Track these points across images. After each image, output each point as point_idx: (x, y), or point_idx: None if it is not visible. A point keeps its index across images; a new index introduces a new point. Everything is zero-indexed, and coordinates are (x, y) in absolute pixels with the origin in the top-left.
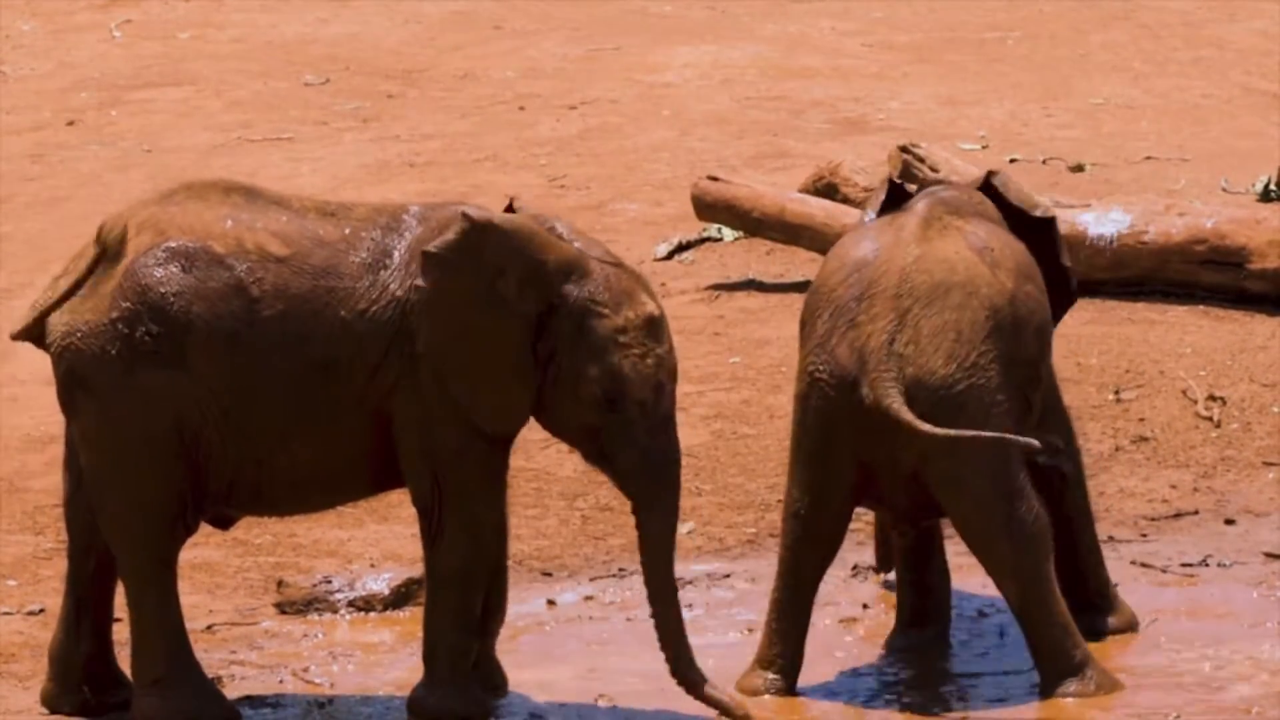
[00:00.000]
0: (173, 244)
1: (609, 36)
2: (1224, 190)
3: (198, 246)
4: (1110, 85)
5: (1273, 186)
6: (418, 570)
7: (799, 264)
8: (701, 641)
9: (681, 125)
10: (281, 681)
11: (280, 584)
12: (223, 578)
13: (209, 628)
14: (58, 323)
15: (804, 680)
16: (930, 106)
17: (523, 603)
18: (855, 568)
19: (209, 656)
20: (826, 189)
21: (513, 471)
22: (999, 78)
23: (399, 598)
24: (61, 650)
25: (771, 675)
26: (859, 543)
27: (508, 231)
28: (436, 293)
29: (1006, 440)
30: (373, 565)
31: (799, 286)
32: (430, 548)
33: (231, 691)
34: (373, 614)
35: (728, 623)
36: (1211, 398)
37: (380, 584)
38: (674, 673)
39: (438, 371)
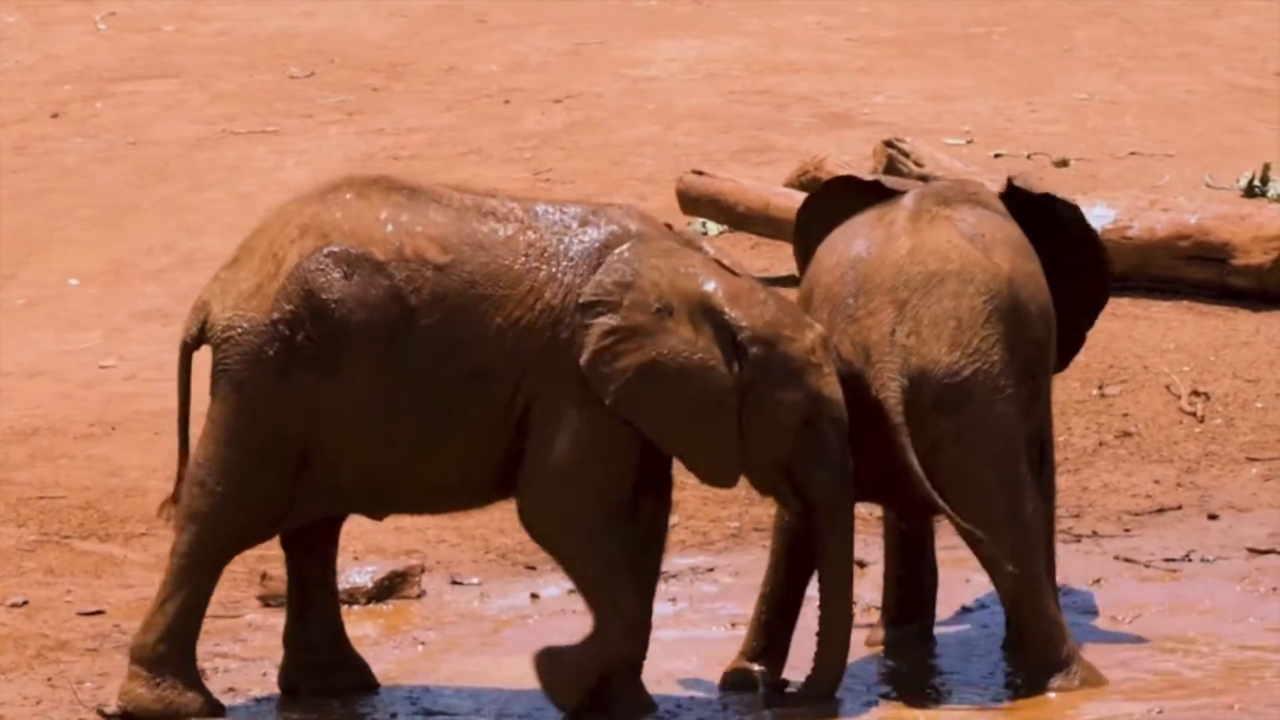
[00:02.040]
0: (335, 249)
1: (594, 30)
2: (1208, 186)
3: (359, 253)
4: (1095, 81)
5: (1257, 182)
6: (401, 563)
7: (784, 259)
8: (685, 635)
9: (666, 119)
10: (265, 674)
11: (264, 577)
12: None
13: None
14: (221, 318)
15: (790, 674)
16: (915, 101)
17: (506, 596)
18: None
19: None
20: (811, 183)
21: None
22: (984, 73)
23: (382, 591)
24: (288, 634)
25: (757, 669)
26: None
27: (665, 268)
28: (608, 339)
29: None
30: (356, 558)
31: (784, 281)
32: (562, 565)
33: (215, 684)
34: (356, 607)
35: (712, 617)
36: (1195, 393)
37: (364, 577)
38: (810, 685)
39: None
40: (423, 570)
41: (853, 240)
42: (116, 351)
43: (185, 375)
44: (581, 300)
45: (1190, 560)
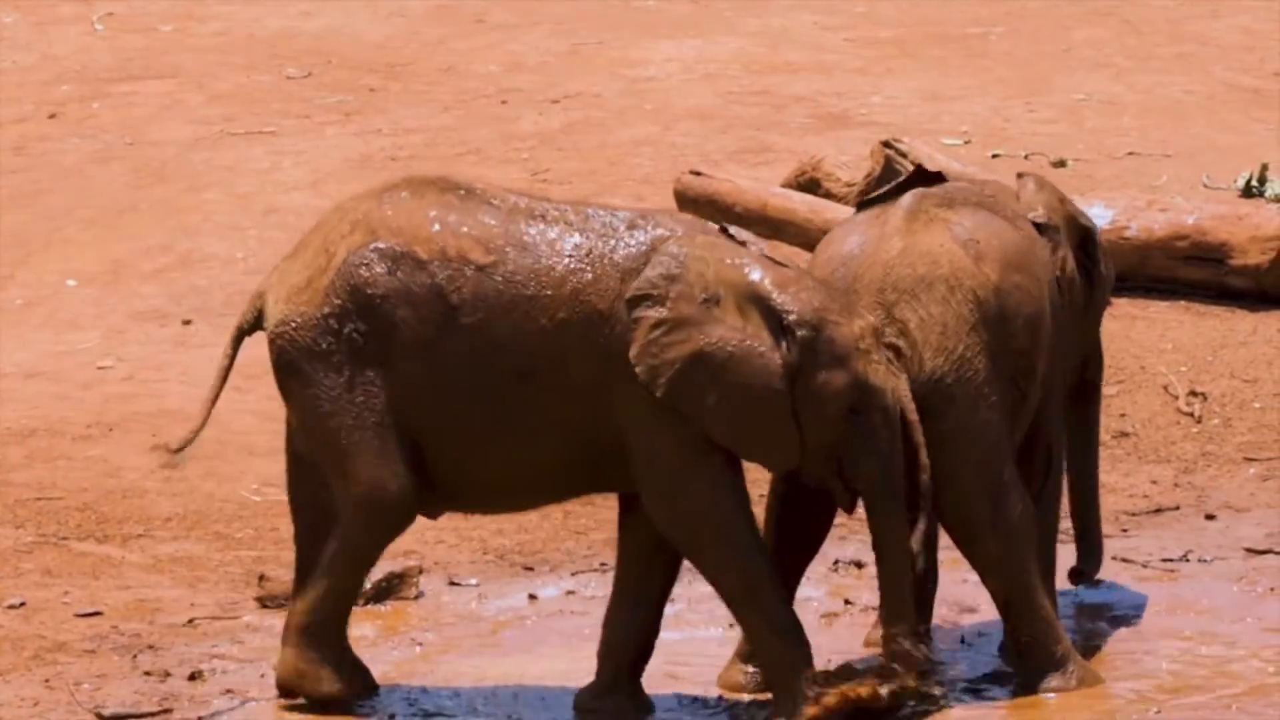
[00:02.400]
0: (381, 245)
1: (592, 31)
2: (1206, 186)
3: (403, 250)
4: (1093, 81)
5: (1254, 183)
6: (399, 565)
7: (782, 258)
8: (682, 636)
9: (664, 120)
10: (263, 675)
11: (262, 578)
12: (204, 571)
13: (190, 621)
14: (275, 311)
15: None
16: (913, 102)
17: (504, 597)
18: (836, 562)
19: (190, 650)
20: (809, 184)
21: None
22: (982, 73)
23: (380, 592)
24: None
25: (752, 669)
26: (841, 538)
27: (710, 259)
28: (655, 332)
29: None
30: None
31: None
32: (703, 574)
33: (213, 685)
34: (354, 608)
35: (709, 617)
36: (1193, 393)
37: None
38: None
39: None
40: (420, 571)
41: (848, 237)
42: (114, 352)
43: (231, 358)
44: (628, 295)
45: (1188, 560)
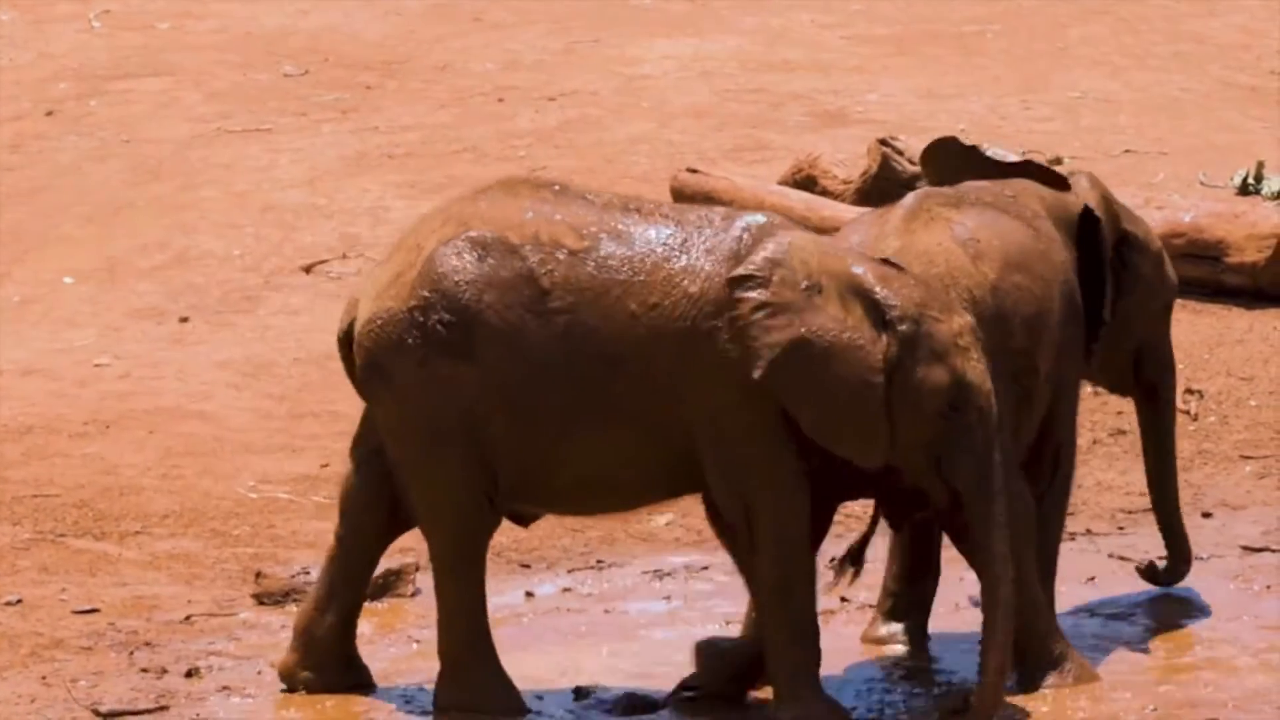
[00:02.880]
0: (472, 234)
1: (588, 29)
2: (1202, 184)
3: (494, 236)
4: (1089, 79)
5: (1251, 180)
6: (396, 562)
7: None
8: (679, 634)
9: (660, 118)
10: (259, 672)
11: (259, 575)
12: (201, 568)
13: (187, 618)
14: (363, 310)
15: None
16: (909, 100)
17: (500, 594)
18: (833, 560)
19: (187, 647)
20: (805, 181)
21: None
22: (978, 71)
23: (377, 589)
24: (308, 624)
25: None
26: (838, 535)
27: (813, 249)
28: (757, 314)
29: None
30: None
31: None
32: (751, 563)
33: (210, 682)
34: None
35: (706, 615)
36: (1189, 391)
37: None
38: (979, 699)
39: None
40: (417, 568)
41: (851, 235)
42: (111, 350)
43: (350, 367)
44: (731, 275)
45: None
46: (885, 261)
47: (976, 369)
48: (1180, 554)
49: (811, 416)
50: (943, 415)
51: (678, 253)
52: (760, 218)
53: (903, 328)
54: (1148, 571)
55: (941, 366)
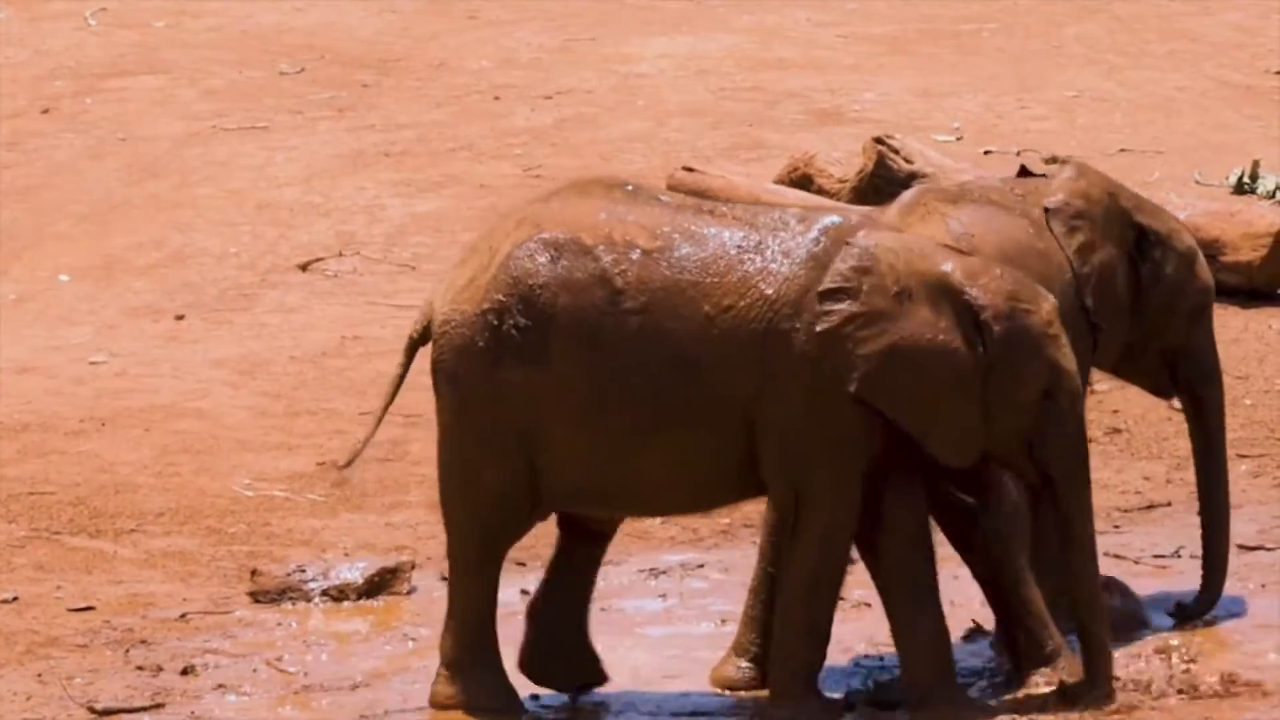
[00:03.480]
0: (545, 235)
1: (584, 27)
2: (1198, 183)
3: (567, 238)
4: (1085, 78)
5: (1246, 179)
6: (392, 560)
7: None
8: (674, 631)
9: (656, 116)
10: (255, 670)
11: (254, 573)
12: (196, 566)
13: (183, 616)
14: (439, 311)
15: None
16: (905, 98)
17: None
18: None
19: (182, 645)
20: (801, 180)
21: None
22: (974, 70)
23: (373, 587)
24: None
25: (745, 664)
26: None
27: (900, 251)
28: (851, 326)
29: None
30: (346, 554)
31: None
32: (785, 555)
33: (206, 680)
34: (346, 603)
35: (701, 613)
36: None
37: (354, 573)
38: (1091, 680)
39: (884, 405)
40: (413, 566)
41: None
42: (107, 347)
43: (404, 370)
44: (821, 289)
45: (1179, 556)
46: (969, 254)
47: (1065, 353)
48: (1211, 585)
49: (908, 421)
50: (1035, 406)
51: (753, 255)
52: (836, 218)
53: (995, 326)
54: (1179, 612)
55: (1036, 359)
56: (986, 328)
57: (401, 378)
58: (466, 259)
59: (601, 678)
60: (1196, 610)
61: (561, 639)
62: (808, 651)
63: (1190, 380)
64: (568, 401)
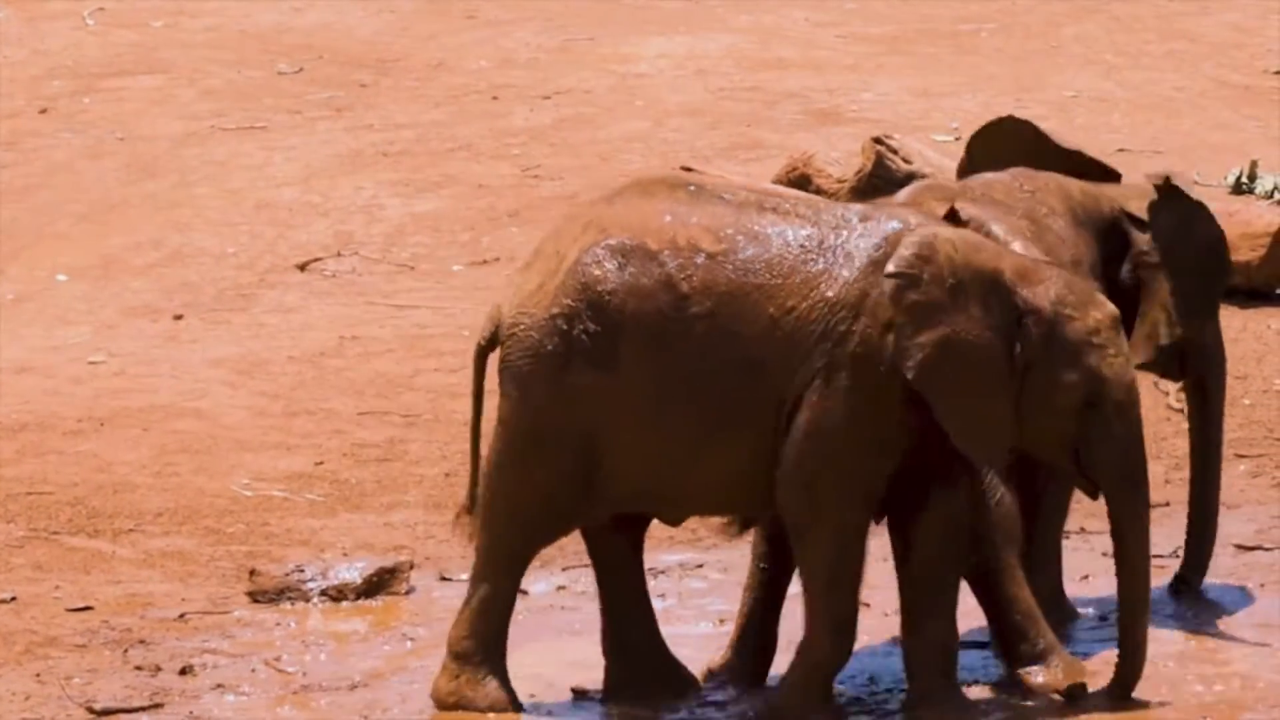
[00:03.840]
0: (612, 241)
1: (583, 27)
2: (1196, 183)
3: (634, 243)
4: (1083, 78)
5: (1245, 179)
6: (390, 560)
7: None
8: (673, 631)
9: (655, 116)
10: (254, 670)
11: (252, 573)
12: (195, 566)
13: (181, 616)
14: (508, 315)
15: (776, 669)
16: (904, 98)
17: None
18: None
19: (181, 645)
20: (799, 180)
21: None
22: (972, 70)
23: (371, 587)
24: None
25: (743, 664)
26: None
27: (959, 244)
28: (910, 313)
29: None
30: (345, 554)
31: None
32: (798, 552)
33: (204, 680)
34: (345, 603)
35: (700, 613)
36: (1184, 390)
37: (353, 573)
38: (1118, 683)
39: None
40: (411, 566)
41: None
42: (105, 347)
43: (479, 379)
44: (885, 273)
45: (1178, 556)
46: (1025, 255)
47: (1113, 363)
48: (1196, 558)
49: (947, 413)
50: (1078, 411)
51: (815, 255)
52: (895, 220)
53: (1036, 329)
54: (1173, 585)
55: (1074, 367)
56: (1027, 332)
57: (480, 387)
58: (532, 263)
59: (695, 684)
60: (1191, 574)
61: (648, 659)
62: (830, 649)
63: (1192, 366)
64: (634, 404)
